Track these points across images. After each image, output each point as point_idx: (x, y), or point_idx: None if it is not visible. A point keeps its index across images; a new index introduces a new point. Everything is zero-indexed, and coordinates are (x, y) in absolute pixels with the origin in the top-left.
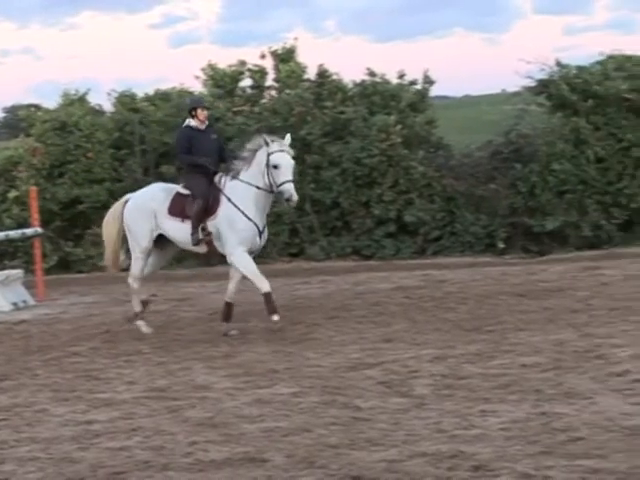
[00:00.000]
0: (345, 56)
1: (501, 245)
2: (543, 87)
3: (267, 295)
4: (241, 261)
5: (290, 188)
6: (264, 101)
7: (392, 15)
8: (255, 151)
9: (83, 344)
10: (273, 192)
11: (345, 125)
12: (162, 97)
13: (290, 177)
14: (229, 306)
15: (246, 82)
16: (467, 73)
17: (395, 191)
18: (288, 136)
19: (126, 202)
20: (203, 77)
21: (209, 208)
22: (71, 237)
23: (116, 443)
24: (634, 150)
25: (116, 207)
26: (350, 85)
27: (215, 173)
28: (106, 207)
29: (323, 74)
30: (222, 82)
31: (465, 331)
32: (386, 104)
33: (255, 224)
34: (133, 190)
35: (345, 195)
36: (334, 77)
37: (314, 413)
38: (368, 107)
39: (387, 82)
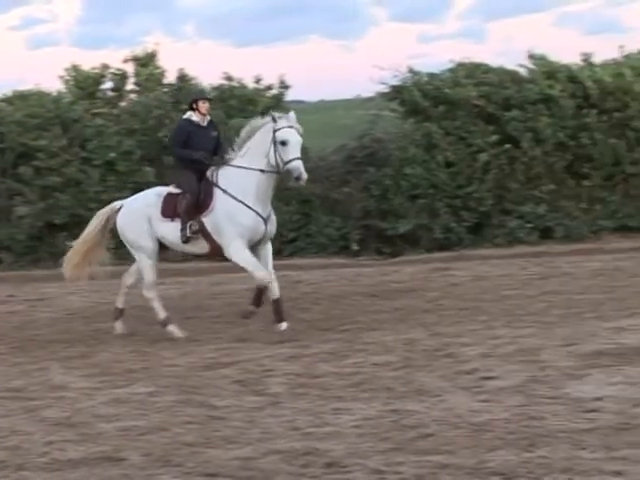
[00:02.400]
0: (204, 60)
1: (355, 247)
2: (396, 93)
3: (265, 288)
4: (239, 254)
5: (299, 166)
6: (124, 104)
7: (250, 21)
8: (256, 131)
9: None
10: (279, 172)
11: None
12: (21, 97)
13: (298, 155)
14: (276, 302)
15: (107, 85)
16: (323, 78)
17: None
18: (292, 113)
19: (118, 209)
20: (66, 78)
21: (200, 203)
22: None
23: None
24: (483, 155)
25: (103, 213)
26: (208, 89)
27: (208, 167)
28: None
29: (182, 78)
30: (84, 84)
31: (319, 331)
32: (243, 108)
33: (257, 212)
34: None
35: None
36: (193, 81)
37: (170, 412)
38: (226, 111)
39: (244, 86)
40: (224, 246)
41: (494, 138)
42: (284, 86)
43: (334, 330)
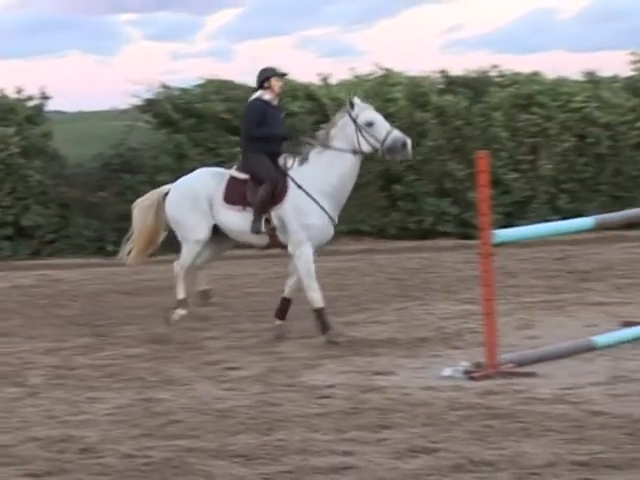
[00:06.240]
0: None
1: (110, 248)
2: (149, 106)
3: (319, 311)
4: (304, 260)
5: (399, 134)
6: None
7: (12, 35)
8: (333, 125)
9: None
10: (378, 150)
11: None
12: None
13: (390, 127)
14: (286, 302)
15: None
16: (82, 91)
17: (13, 197)
18: (356, 97)
19: (166, 194)
20: None
21: (276, 195)
22: None
23: None
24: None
25: (150, 197)
26: None
27: (280, 152)
28: None
29: None
30: None
31: (76, 326)
32: (5, 117)
33: (330, 216)
34: None
35: None
36: None
37: None
38: None
39: (6, 96)
40: (291, 246)
41: (239, 149)
42: (44, 97)
43: (90, 325)
